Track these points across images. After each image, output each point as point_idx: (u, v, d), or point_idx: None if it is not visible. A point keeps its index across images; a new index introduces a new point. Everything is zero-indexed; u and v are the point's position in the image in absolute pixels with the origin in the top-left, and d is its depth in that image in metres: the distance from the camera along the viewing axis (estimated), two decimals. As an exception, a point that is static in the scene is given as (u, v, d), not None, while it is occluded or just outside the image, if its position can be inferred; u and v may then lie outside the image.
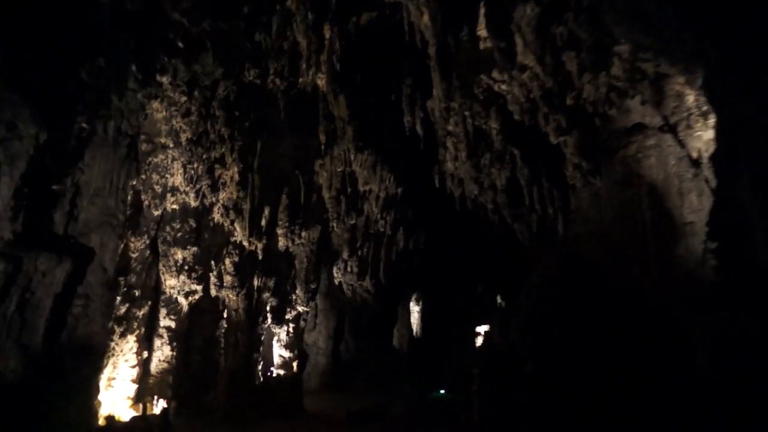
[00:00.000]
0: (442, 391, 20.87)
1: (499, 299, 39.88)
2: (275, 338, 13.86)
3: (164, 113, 10.62)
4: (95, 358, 9.01)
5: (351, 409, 14.23)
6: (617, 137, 9.46)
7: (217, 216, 12.13)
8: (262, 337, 13.22)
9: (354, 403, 15.97)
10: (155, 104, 10.23)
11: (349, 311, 18.35)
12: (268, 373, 13.68)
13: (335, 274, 15.90)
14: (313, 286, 13.71)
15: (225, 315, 12.86)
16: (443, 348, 24.59)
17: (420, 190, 14.79)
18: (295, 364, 13.66)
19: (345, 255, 14.64)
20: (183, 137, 10.98)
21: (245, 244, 12.17)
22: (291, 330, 13.92)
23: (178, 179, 11.41)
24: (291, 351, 13.77)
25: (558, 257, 11.07)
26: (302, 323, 14.47)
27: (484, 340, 40.42)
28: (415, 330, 25.67)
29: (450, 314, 25.70)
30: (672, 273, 8.47)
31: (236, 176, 11.86)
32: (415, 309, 26.54)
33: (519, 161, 11.02)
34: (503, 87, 10.29)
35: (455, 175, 13.44)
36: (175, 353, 11.76)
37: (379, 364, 20.51)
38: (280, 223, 13.08)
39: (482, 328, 42.06)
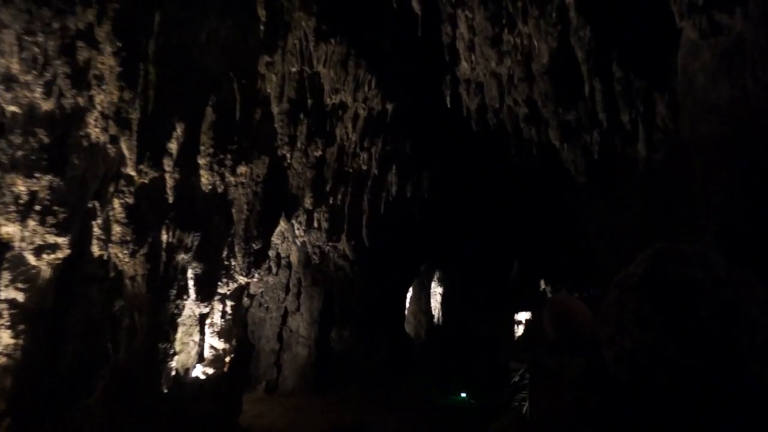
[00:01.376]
0: (463, 395, 16.23)
1: (543, 285, 34.90)
2: (207, 322, 9.49)
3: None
4: None
5: (319, 429, 9.88)
6: None
7: (93, 129, 7.82)
8: (178, 319, 8.87)
9: (333, 413, 11.56)
10: None
11: (337, 289, 13.89)
12: (199, 373, 9.36)
13: (296, 232, 11.37)
14: (256, 246, 9.23)
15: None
16: (469, 339, 19.81)
17: (421, 107, 10.13)
18: (228, 360, 9.28)
19: (308, 203, 10.09)
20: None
21: (133, 175, 7.83)
22: (229, 310, 9.53)
23: (13, 62, 7.13)
24: (226, 341, 9.38)
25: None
26: (246, 301, 10.06)
27: (527, 330, 35.48)
28: (436, 316, 21.01)
29: (480, 298, 20.80)
30: None
31: (115, 65, 7.49)
32: (437, 291, 21.88)
33: (574, 18, 6.15)
34: None
35: (472, 79, 8.66)
36: (21, 341, 7.57)
37: (383, 358, 16.00)
38: (203, 149, 8.66)
39: (523, 315, 37.17)
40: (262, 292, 15.19)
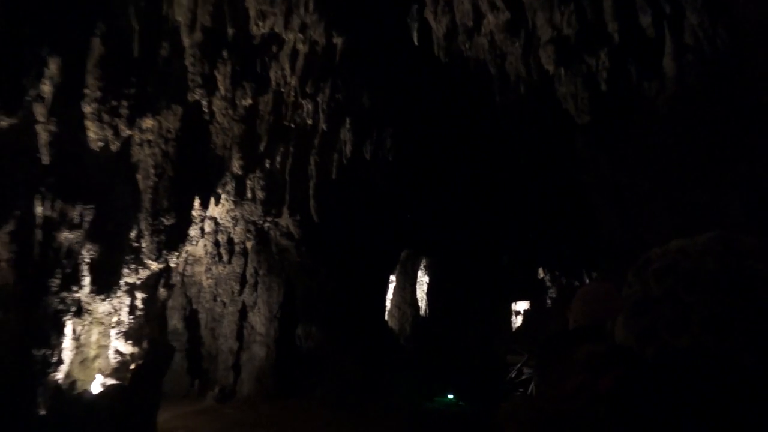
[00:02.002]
0: (451, 396, 14.25)
1: (541, 273, 32.63)
2: (114, 320, 7.44)
3: None
4: None
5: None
6: None
7: None
8: (65, 317, 6.85)
9: (289, 428, 9.55)
10: None
11: (295, 277, 11.85)
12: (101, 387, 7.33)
13: (223, 202, 9.22)
14: (168, 222, 7.16)
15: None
16: (460, 332, 17.78)
17: (380, 43, 7.97)
18: (134, 368, 7.22)
19: (237, 167, 7.96)
20: None
21: (-24, 120, 5.77)
22: (139, 305, 7.48)
23: None
24: (135, 343, 7.34)
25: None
26: (164, 293, 8.00)
27: (526, 320, 33.36)
28: (422, 308, 18.97)
29: (472, 287, 18.73)
30: None
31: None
32: (424, 280, 19.85)
33: None
34: None
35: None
36: None
37: (357, 356, 13.98)
38: (89, 93, 6.58)
39: (522, 305, 34.98)
40: (215, 284, 13.18)
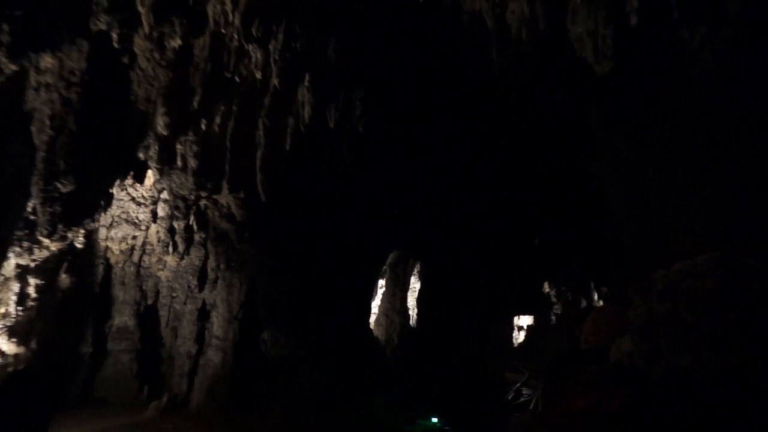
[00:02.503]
0: (435, 420, 12.57)
1: (547, 287, 30.99)
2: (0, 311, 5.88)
3: None
4: None
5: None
6: None
7: None
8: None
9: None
10: None
11: (256, 272, 10.26)
12: None
13: (152, 172, 7.58)
14: (64, 188, 5.59)
15: None
16: (452, 346, 16.06)
17: None
18: (10, 373, 5.62)
19: (162, 126, 6.34)
20: None
21: None
22: (32, 293, 5.93)
23: None
24: (21, 342, 5.77)
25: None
26: (65, 280, 6.42)
27: (528, 335, 31.48)
28: (413, 318, 17.31)
29: (469, 297, 17.02)
30: None
31: None
32: (417, 287, 18.24)
33: None
34: None
35: None
36: None
37: (332, 368, 12.34)
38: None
39: (525, 320, 33.15)
40: (173, 278, 11.64)
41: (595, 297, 27.08)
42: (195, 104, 6.31)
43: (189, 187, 7.26)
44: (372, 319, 17.37)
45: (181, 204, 7.73)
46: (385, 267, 15.54)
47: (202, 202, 8.22)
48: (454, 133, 8.91)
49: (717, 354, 0.90)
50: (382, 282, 16.80)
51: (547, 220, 13.30)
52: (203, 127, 6.76)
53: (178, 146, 6.85)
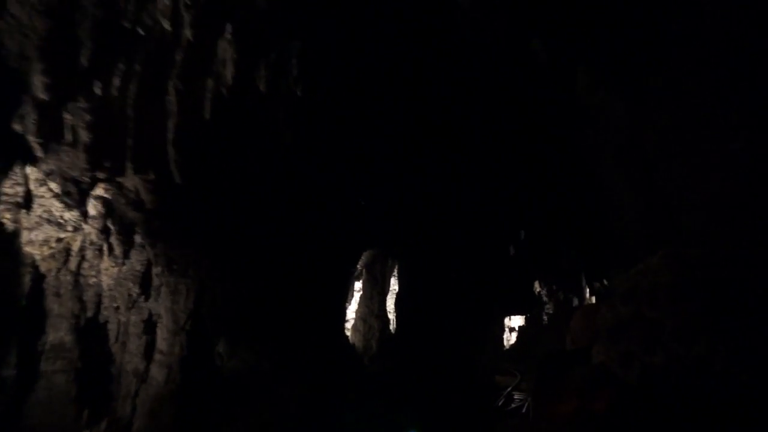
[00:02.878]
0: (414, 434, 11.35)
1: (538, 287, 30.14)
2: None
3: None
4: None
5: None
6: None
7: None
8: None
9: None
10: None
11: (208, 278, 8.97)
12: None
13: (37, 153, 6.15)
14: None
15: None
16: (438, 351, 14.79)
17: None
18: None
19: (41, 88, 5.03)
20: None
21: None
22: None
23: None
24: None
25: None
26: None
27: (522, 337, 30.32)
28: (393, 322, 16.03)
29: (455, 298, 15.76)
30: None
31: None
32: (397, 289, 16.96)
33: None
34: None
35: None
36: None
37: (300, 381, 11.05)
38: None
39: (516, 321, 32.10)
40: (115, 285, 10.30)
41: (588, 294, 26.12)
42: (84, 62, 5.03)
43: (81, 166, 5.92)
44: (350, 324, 16.11)
45: (72, 189, 6.38)
46: (360, 268, 14.28)
47: (101, 187, 6.87)
48: (422, 104, 7.63)
49: (685, 346, 1.00)
50: (359, 285, 15.54)
51: (534, 208, 12.08)
52: (98, 91, 5.44)
53: (66, 116, 5.53)
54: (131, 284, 9.61)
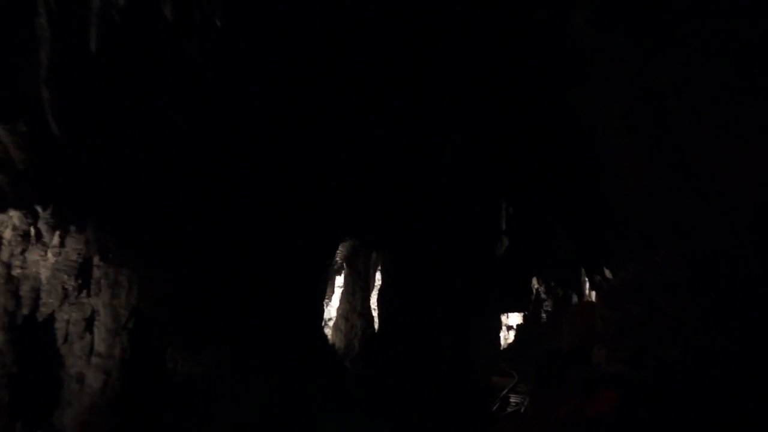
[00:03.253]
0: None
1: (536, 284, 29.22)
2: None
3: None
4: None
5: None
6: None
7: None
8: None
9: None
10: None
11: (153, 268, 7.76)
12: None
13: None
14: None
15: None
16: (424, 351, 13.55)
17: None
18: None
19: None
20: None
21: None
22: None
23: None
24: None
25: None
26: None
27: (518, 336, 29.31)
28: (378, 320, 14.80)
29: (442, 293, 14.51)
30: None
31: None
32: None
33: None
34: None
35: None
36: None
37: (270, 386, 9.83)
38: None
39: (514, 319, 30.98)
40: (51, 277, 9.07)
41: (588, 289, 24.99)
42: None
43: None
44: (333, 323, 14.90)
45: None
46: (339, 261, 13.07)
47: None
48: (392, 53, 6.28)
49: (709, 338, 1.30)
50: (341, 280, 14.33)
51: (526, 183, 10.79)
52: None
53: None
54: (66, 276, 8.39)
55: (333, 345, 13.23)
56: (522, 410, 13.67)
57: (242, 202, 7.76)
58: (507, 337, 28.40)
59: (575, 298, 25.56)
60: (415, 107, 7.43)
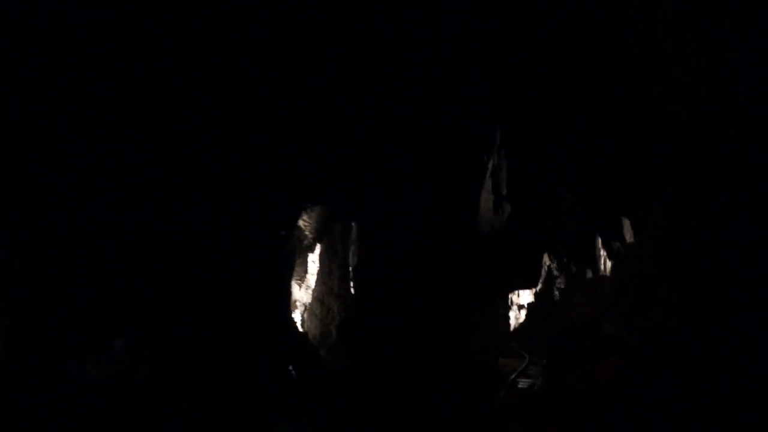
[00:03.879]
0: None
1: (547, 260, 27.77)
2: None
3: None
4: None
5: None
6: None
7: None
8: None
9: None
10: None
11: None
12: None
13: None
14: None
15: None
16: (415, 337, 11.56)
17: None
18: None
19: None
20: None
21: None
22: None
23: None
24: None
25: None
26: None
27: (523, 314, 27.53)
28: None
29: (441, 270, 12.45)
30: None
31: None
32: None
33: None
34: None
35: None
36: None
37: (220, 384, 7.94)
38: None
39: (525, 298, 29.56)
40: None
41: (603, 263, 23.20)
42: None
43: None
44: (308, 308, 12.94)
45: None
46: (310, 235, 11.08)
47: None
48: None
49: (685, 303, 1.76)
50: (313, 257, 12.35)
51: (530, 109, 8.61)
52: None
53: None
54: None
55: (305, 332, 11.29)
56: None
57: (162, 162, 5.77)
58: (518, 317, 26.66)
59: (590, 274, 23.66)
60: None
